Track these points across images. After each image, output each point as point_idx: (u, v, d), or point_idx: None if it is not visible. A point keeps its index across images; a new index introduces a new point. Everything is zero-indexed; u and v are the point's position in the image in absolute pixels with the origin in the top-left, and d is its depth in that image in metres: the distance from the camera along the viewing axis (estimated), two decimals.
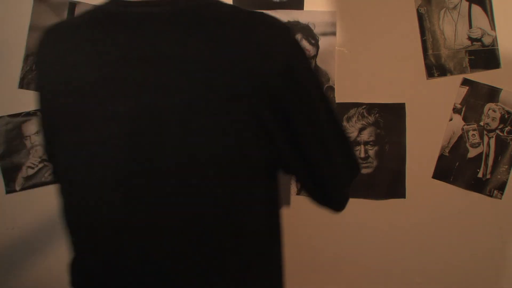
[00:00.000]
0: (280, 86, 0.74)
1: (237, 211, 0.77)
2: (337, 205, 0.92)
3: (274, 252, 0.90)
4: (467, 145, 1.57)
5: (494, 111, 1.56)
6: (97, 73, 0.76)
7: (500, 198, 1.57)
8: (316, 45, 1.50)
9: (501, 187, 1.57)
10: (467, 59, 1.56)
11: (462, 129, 1.57)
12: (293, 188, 1.58)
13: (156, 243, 0.77)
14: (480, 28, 1.55)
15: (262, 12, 0.76)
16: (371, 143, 1.57)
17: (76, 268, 0.93)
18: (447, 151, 1.57)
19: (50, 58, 0.81)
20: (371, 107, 1.55)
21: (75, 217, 0.87)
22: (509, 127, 1.56)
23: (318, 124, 0.81)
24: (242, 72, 0.71)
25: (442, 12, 1.56)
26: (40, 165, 1.51)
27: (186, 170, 0.73)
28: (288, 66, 0.74)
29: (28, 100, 1.50)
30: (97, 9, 0.81)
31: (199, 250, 0.76)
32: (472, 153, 1.57)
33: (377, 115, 1.56)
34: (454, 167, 1.57)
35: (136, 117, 0.73)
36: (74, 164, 0.79)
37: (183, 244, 0.76)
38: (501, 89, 1.55)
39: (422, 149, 1.57)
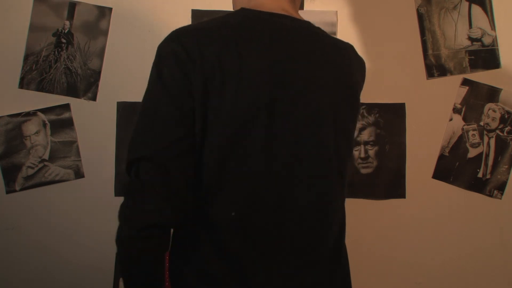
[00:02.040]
0: None
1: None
2: None
3: None
4: (467, 145, 1.57)
5: (494, 111, 1.56)
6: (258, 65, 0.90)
7: (500, 198, 1.57)
8: None
9: (501, 187, 1.57)
10: (467, 59, 1.56)
11: (462, 129, 1.57)
12: None
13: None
14: (480, 28, 1.55)
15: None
16: (371, 143, 1.57)
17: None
18: (447, 151, 1.57)
19: (210, 48, 0.90)
20: (371, 107, 1.55)
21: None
22: (509, 127, 1.56)
23: None
24: (360, 81, 1.04)
25: (442, 12, 1.56)
26: (40, 165, 1.51)
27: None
28: None
29: (28, 100, 1.50)
30: (232, 15, 0.95)
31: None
32: (472, 153, 1.57)
33: (377, 115, 1.56)
34: (454, 167, 1.57)
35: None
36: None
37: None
38: (501, 89, 1.55)
39: (422, 149, 1.57)
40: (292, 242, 0.93)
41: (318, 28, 1.01)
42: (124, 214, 0.88)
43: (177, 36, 0.91)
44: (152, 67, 0.91)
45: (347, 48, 1.04)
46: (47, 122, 1.51)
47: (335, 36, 1.07)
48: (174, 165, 0.86)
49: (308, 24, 0.99)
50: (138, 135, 0.90)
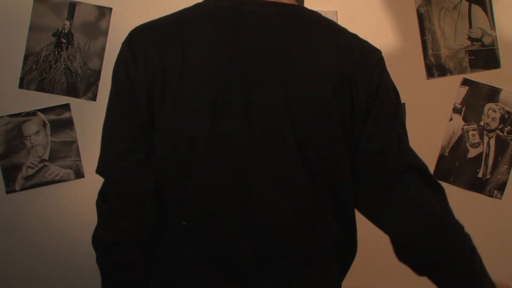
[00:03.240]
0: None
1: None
2: None
3: None
4: (467, 145, 1.57)
5: (494, 111, 1.56)
6: (225, 63, 0.82)
7: (500, 198, 1.57)
8: None
9: (501, 187, 1.57)
10: (467, 59, 1.56)
11: (462, 129, 1.57)
12: None
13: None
14: (480, 28, 1.55)
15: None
16: None
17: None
18: (447, 151, 1.57)
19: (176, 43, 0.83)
20: None
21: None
22: (509, 127, 1.56)
23: None
24: (351, 72, 0.86)
25: (442, 12, 1.56)
26: (40, 165, 1.51)
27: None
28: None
29: (28, 100, 1.50)
30: (196, 7, 0.87)
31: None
32: (472, 153, 1.57)
33: None
34: (454, 167, 1.57)
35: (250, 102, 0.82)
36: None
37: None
38: (501, 89, 1.55)
39: (422, 149, 1.56)
40: (247, 254, 0.86)
41: (312, 15, 0.90)
42: (92, 235, 0.93)
43: (130, 37, 0.86)
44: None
45: (342, 41, 0.91)
46: (47, 122, 1.51)
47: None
48: (129, 180, 0.85)
49: (296, 11, 0.87)
50: (101, 148, 0.89)
